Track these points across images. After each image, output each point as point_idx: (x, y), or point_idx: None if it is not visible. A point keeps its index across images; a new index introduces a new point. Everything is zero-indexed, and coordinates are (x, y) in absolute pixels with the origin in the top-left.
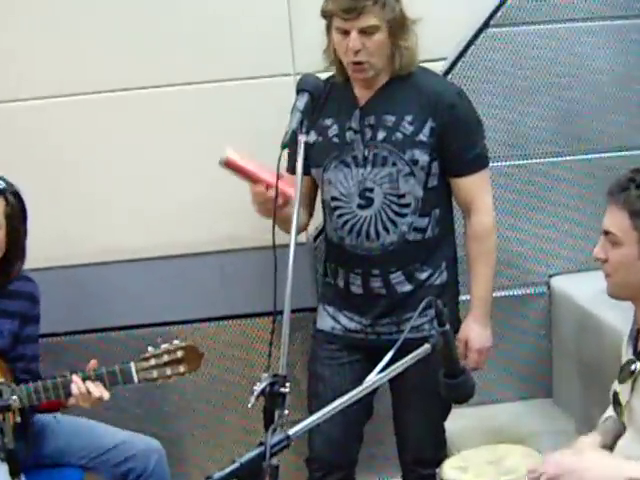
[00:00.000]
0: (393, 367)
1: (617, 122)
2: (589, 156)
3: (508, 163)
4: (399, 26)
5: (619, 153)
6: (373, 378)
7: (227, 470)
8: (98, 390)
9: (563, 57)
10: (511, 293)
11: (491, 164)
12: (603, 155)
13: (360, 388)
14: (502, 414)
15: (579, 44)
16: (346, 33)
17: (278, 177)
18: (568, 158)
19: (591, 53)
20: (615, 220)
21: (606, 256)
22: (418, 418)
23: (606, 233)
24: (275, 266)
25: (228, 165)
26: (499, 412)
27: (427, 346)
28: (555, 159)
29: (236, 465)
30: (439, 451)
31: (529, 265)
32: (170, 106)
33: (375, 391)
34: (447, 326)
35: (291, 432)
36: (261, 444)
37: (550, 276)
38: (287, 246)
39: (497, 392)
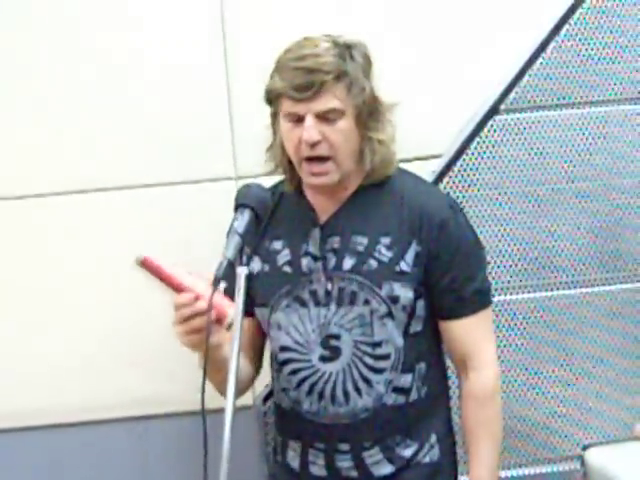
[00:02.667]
0: None
1: None
2: (637, 285)
3: (528, 295)
4: (370, 112)
5: None
6: None
7: None
8: None
9: (602, 151)
10: (532, 472)
11: (505, 297)
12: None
13: None
14: None
15: (625, 132)
16: (299, 120)
17: (210, 308)
18: (609, 288)
19: (629, 149)
20: None
21: None
22: None
23: None
24: (205, 437)
25: (145, 265)
26: None
27: None
28: (592, 289)
29: None
30: None
31: (556, 434)
32: (80, 216)
33: None
34: None
35: None
36: None
37: (585, 448)
38: (218, 411)
39: None
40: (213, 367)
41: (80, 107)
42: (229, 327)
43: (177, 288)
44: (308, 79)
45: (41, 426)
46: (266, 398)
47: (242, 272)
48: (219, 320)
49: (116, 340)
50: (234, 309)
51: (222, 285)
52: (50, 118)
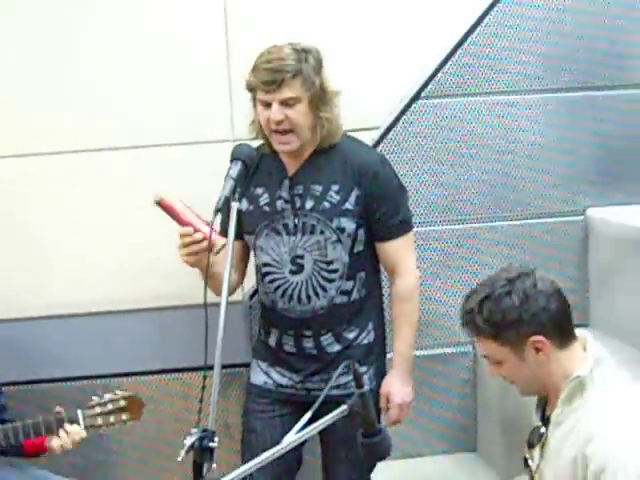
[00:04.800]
0: (311, 427)
1: (536, 192)
2: (514, 222)
3: (439, 227)
4: (320, 98)
5: (539, 220)
6: (292, 438)
7: None
8: (71, 431)
9: (490, 128)
10: (437, 352)
11: (424, 228)
12: (526, 222)
13: (278, 447)
14: (427, 467)
15: (504, 115)
16: (269, 105)
17: (211, 234)
18: (495, 223)
19: (515, 125)
20: (485, 347)
21: (499, 372)
22: (345, 470)
23: (486, 357)
24: (206, 322)
25: (161, 205)
26: (424, 465)
27: (344, 407)
28: (483, 224)
29: None
30: None
31: (455, 325)
32: (114, 169)
33: (304, 442)
34: (365, 388)
35: None
36: None
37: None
38: (216, 304)
39: (423, 446)
40: (209, 278)
41: (97, 75)
42: (217, 252)
43: (182, 222)
44: (273, 77)
45: (91, 313)
46: (252, 296)
47: (235, 206)
48: (210, 247)
49: (146, 253)
50: (222, 240)
51: (217, 221)
52: (76, 86)
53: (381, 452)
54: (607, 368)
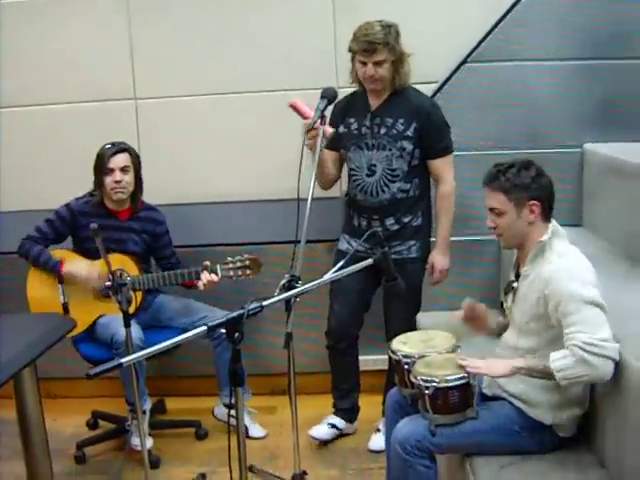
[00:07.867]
0: (342, 271)
1: (549, 130)
2: (532, 151)
3: (475, 152)
4: (399, 59)
5: (551, 150)
6: (329, 275)
7: (217, 321)
8: (210, 277)
9: (517, 84)
10: (475, 238)
11: (465, 152)
12: (541, 151)
13: (324, 279)
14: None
15: (527, 76)
16: (364, 64)
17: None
18: (518, 151)
19: (535, 84)
20: (496, 199)
21: (495, 224)
22: (398, 312)
23: (491, 209)
24: (298, 208)
25: (293, 105)
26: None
27: (370, 260)
28: (509, 151)
29: (224, 319)
30: None
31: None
32: (259, 106)
33: (374, 292)
34: (386, 249)
35: (264, 303)
36: (242, 308)
37: None
38: (324, 198)
39: (460, 301)
40: (320, 174)
41: (253, 41)
42: (328, 139)
43: (305, 117)
44: (369, 46)
45: (235, 201)
46: (346, 194)
47: (322, 127)
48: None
49: (282, 163)
50: (329, 130)
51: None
52: (235, 48)
53: (396, 290)
54: (561, 239)
